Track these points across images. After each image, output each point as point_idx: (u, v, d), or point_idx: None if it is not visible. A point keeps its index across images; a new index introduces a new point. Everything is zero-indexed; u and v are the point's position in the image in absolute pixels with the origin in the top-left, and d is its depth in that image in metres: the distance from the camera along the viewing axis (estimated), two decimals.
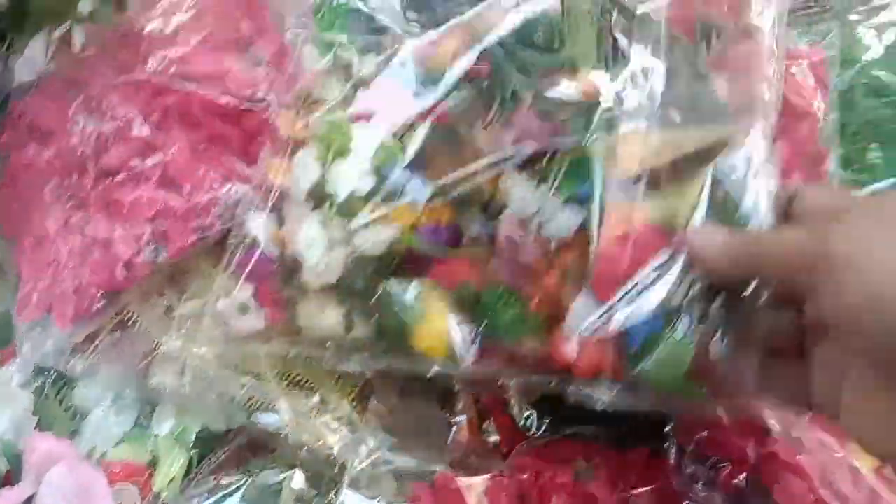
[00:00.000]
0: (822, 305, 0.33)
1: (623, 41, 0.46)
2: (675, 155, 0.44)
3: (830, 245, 0.32)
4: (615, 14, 0.47)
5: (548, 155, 0.46)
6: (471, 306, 0.45)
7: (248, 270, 0.46)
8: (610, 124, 0.45)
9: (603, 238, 0.44)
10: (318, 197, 0.46)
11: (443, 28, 0.48)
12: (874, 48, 0.56)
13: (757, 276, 0.36)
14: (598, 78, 0.46)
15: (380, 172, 0.45)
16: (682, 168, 0.44)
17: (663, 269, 0.43)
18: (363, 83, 0.48)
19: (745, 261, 0.36)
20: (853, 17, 0.58)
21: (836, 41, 0.56)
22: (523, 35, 0.47)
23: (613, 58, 0.46)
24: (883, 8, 0.59)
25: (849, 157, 0.54)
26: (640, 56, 0.46)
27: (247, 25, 0.52)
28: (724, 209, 0.43)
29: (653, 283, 0.43)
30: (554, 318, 0.44)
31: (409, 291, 0.45)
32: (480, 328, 0.45)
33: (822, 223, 0.34)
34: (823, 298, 0.32)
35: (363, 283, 0.45)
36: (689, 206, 0.43)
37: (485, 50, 0.47)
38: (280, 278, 0.46)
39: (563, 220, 0.45)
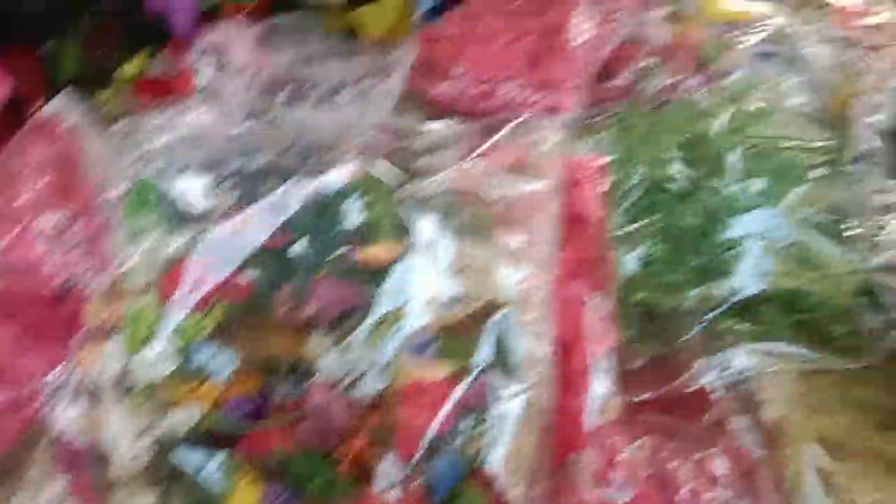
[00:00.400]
0: None
1: (414, 212, 0.49)
2: (463, 313, 0.47)
3: None
4: (408, 186, 0.50)
5: (353, 317, 0.48)
6: (281, 474, 0.46)
7: (61, 461, 0.47)
8: (403, 288, 0.47)
9: (403, 397, 0.46)
10: (125, 384, 0.47)
11: (249, 207, 0.50)
12: (656, 148, 0.59)
13: None
14: (391, 248, 0.48)
15: (184, 352, 0.47)
16: (468, 325, 0.47)
17: (460, 420, 0.46)
18: (171, 264, 0.50)
19: None
20: (636, 121, 0.62)
21: (620, 144, 0.60)
22: (322, 207, 0.50)
23: (406, 227, 0.49)
24: (664, 104, 0.62)
25: (641, 256, 0.56)
26: (430, 225, 0.49)
27: (64, 209, 0.54)
28: (505, 359, 0.46)
29: (451, 434, 0.46)
30: (364, 478, 0.46)
31: (219, 467, 0.46)
32: (292, 495, 0.46)
33: None
34: None
35: (173, 467, 0.46)
36: (474, 360, 0.46)
37: (286, 222, 0.49)
38: (91, 468, 0.47)
39: (369, 383, 0.47)
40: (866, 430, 0.55)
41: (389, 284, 0.48)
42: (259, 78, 0.72)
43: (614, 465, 0.55)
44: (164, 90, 0.67)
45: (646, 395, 0.57)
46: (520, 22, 0.73)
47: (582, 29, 0.69)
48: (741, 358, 0.55)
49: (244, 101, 0.68)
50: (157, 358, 0.46)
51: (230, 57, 0.73)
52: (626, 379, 0.57)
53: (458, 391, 0.45)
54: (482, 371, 0.46)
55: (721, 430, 0.57)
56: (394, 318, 0.47)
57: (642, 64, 0.67)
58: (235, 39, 0.73)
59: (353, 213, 0.49)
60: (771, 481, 0.54)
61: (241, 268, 0.48)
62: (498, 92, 0.69)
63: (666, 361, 0.56)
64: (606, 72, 0.70)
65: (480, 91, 0.69)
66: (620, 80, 0.68)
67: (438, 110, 0.73)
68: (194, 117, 0.63)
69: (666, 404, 0.58)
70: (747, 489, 0.55)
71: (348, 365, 0.47)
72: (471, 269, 0.48)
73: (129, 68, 0.75)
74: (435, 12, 0.76)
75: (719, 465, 0.55)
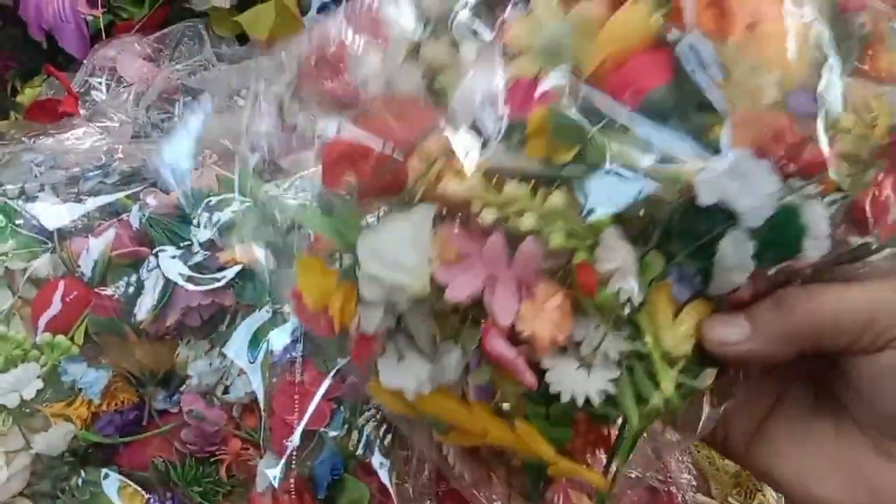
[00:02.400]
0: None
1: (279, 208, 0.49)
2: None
3: None
4: (272, 185, 0.50)
5: (220, 322, 0.48)
6: (164, 482, 0.47)
7: None
8: (269, 288, 0.47)
9: (275, 397, 0.46)
10: None
11: (107, 221, 0.50)
12: None
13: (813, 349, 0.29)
14: (254, 249, 0.48)
15: (53, 372, 0.47)
16: None
17: (336, 414, 0.46)
18: (39, 284, 0.49)
19: (795, 338, 0.29)
20: None
21: None
22: (182, 212, 0.49)
23: (271, 225, 0.48)
24: None
25: None
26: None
27: None
28: None
29: (328, 428, 0.46)
30: (246, 479, 0.46)
31: (99, 482, 0.46)
32: (177, 502, 0.46)
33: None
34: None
35: (52, 484, 0.46)
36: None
37: (143, 232, 0.49)
38: None
39: (241, 386, 0.47)
40: None
41: (254, 286, 0.48)
42: (152, 91, 0.72)
43: None
44: (53, 113, 0.67)
45: None
46: None
47: None
48: None
49: (132, 117, 0.68)
50: (23, 380, 0.46)
51: (121, 73, 0.73)
52: None
53: (326, 385, 0.45)
54: None
55: None
56: (261, 318, 0.47)
57: None
58: (125, 55, 0.73)
59: (213, 217, 0.49)
60: None
61: (104, 282, 0.48)
62: None
63: None
64: None
65: None
66: None
67: (333, 106, 0.73)
68: (77, 137, 0.62)
69: None
70: None
71: (220, 370, 0.47)
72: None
73: (28, 93, 0.75)
74: (326, 8, 0.75)
75: None
